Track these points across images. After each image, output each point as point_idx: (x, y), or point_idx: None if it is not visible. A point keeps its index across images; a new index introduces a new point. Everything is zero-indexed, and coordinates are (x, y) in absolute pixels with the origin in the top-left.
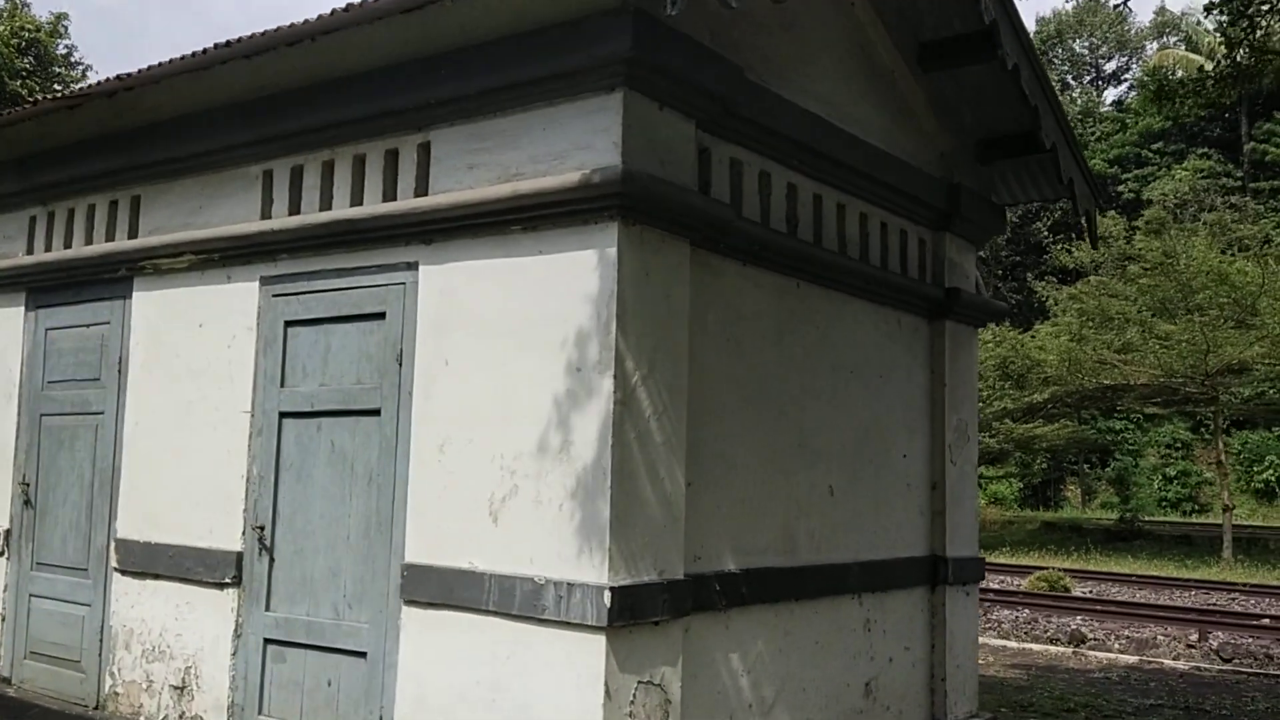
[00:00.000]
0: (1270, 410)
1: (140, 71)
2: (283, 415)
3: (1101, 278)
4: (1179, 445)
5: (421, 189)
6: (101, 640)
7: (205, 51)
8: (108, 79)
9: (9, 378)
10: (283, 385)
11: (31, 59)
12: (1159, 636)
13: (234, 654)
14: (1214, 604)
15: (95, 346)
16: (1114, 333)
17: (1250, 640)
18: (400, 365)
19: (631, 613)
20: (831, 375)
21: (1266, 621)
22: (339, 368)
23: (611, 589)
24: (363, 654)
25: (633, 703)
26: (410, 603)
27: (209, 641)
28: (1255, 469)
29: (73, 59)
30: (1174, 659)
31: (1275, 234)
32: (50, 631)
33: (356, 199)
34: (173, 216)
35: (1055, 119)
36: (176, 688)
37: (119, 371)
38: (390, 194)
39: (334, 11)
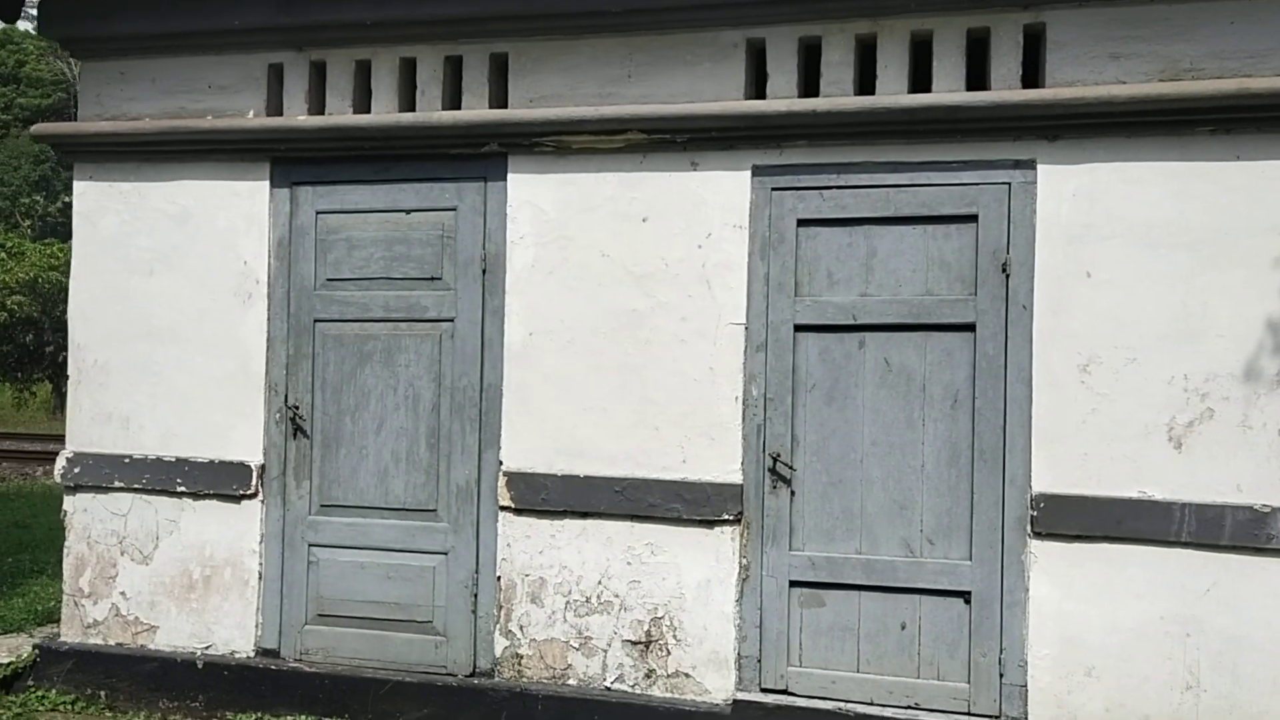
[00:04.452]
0: None
1: None
2: (798, 328)
3: None
4: None
5: (1030, 76)
6: (476, 595)
7: None
8: None
9: (244, 272)
10: (796, 294)
11: None
12: None
13: (738, 600)
14: None
15: (431, 239)
16: None
17: None
18: (1007, 275)
19: None
20: None
21: None
22: (891, 276)
23: None
24: (962, 593)
25: None
26: (1048, 536)
27: (691, 589)
28: None
29: None
30: None
31: None
32: (364, 589)
33: (919, 83)
34: (576, 84)
35: None
36: (637, 643)
37: (482, 270)
38: (976, 81)
39: None
